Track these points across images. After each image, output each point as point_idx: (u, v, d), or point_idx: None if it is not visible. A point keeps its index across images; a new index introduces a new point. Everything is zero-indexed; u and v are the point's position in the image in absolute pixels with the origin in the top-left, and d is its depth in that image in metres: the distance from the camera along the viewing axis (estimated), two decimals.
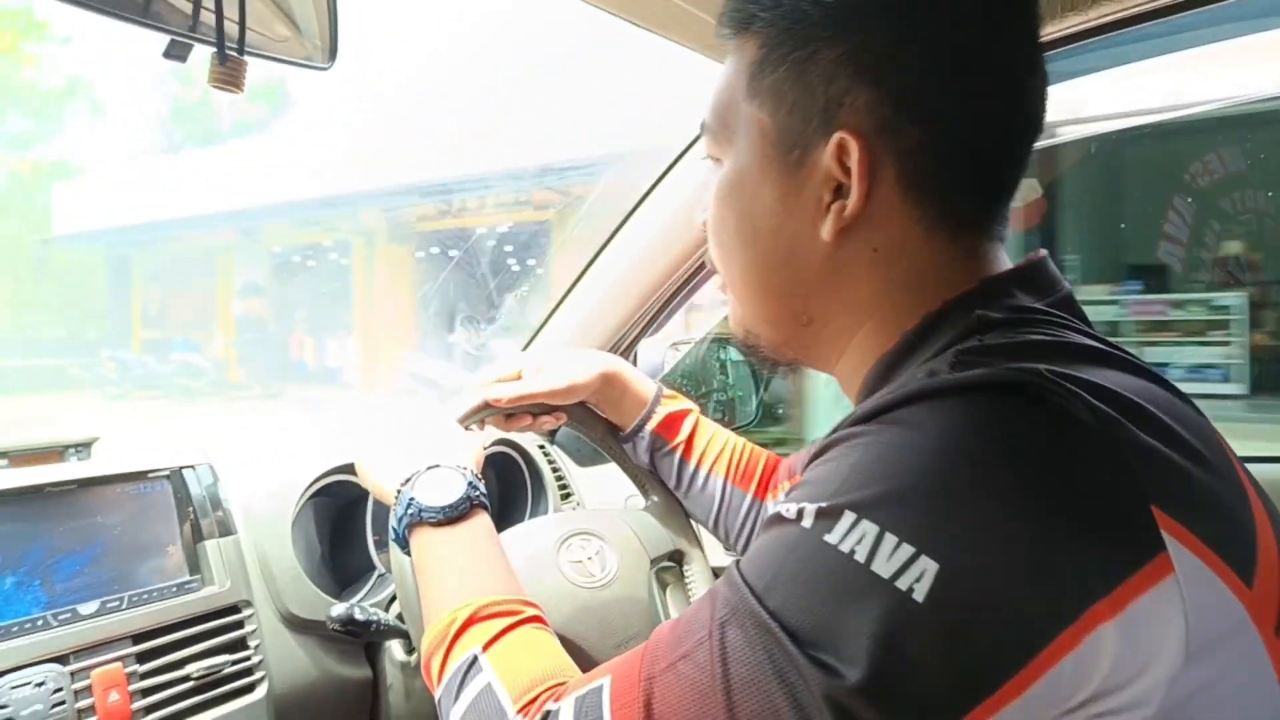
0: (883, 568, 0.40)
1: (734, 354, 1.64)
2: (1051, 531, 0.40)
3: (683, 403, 1.00)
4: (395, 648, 1.04)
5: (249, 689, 0.90)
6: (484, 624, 0.62)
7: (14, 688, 0.71)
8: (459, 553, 0.70)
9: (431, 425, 0.83)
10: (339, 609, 0.94)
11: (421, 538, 0.71)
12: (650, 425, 0.97)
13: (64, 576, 0.80)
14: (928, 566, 0.39)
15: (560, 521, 1.02)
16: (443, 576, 0.68)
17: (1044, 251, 0.57)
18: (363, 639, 1.01)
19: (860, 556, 0.41)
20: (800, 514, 0.44)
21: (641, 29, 1.01)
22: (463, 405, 0.90)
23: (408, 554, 0.73)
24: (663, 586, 1.23)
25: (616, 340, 1.39)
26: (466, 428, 0.90)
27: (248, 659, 0.90)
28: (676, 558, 1.09)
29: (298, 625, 0.97)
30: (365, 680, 1.03)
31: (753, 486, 0.96)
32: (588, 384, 0.95)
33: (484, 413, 0.92)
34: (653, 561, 1.04)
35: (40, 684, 0.72)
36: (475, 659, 0.59)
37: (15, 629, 0.75)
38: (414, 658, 1.04)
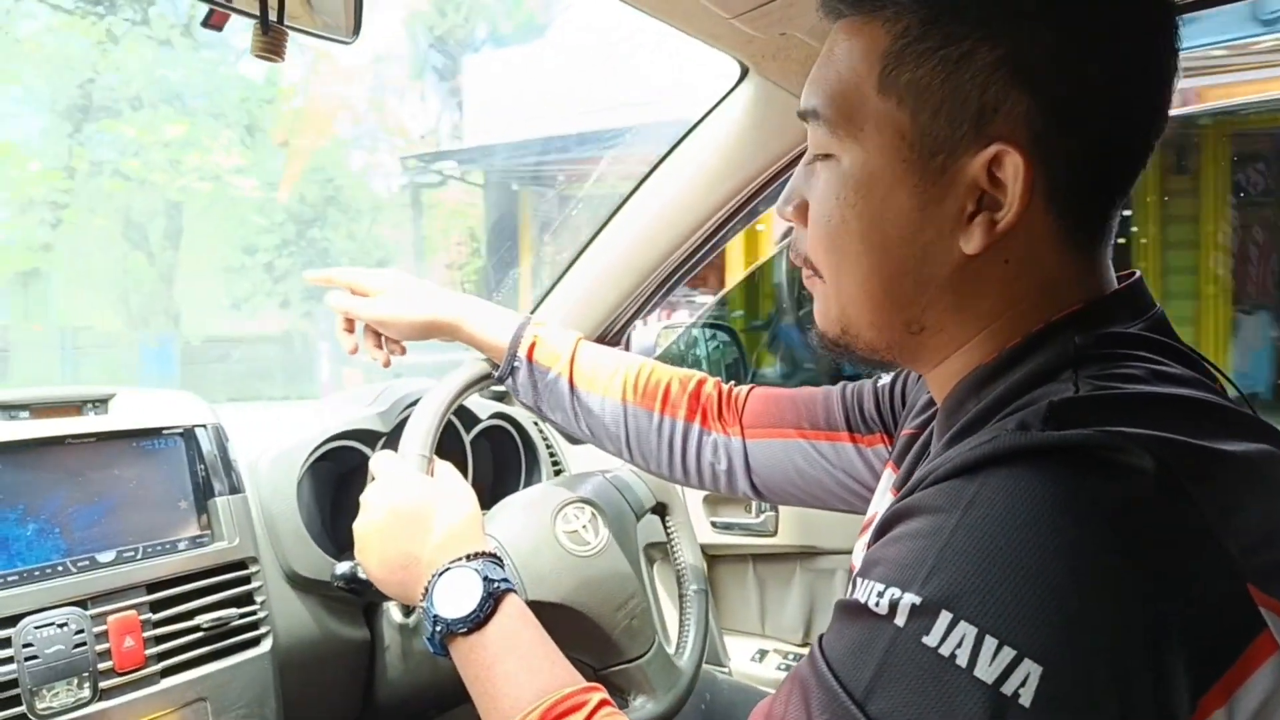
0: (986, 672, 0.39)
1: (722, 338, 1.69)
2: (1156, 623, 0.39)
3: (555, 329, 0.98)
4: (393, 609, 1.07)
5: (255, 642, 0.93)
6: None
7: (37, 628, 0.73)
8: (501, 656, 0.68)
9: (413, 503, 0.78)
10: (343, 567, 0.97)
11: (459, 649, 0.70)
12: (521, 352, 0.95)
13: (82, 525, 0.83)
14: (1031, 670, 0.38)
15: (552, 491, 1.05)
16: (494, 684, 0.67)
17: (1139, 271, 0.57)
18: (364, 598, 1.04)
19: (962, 661, 0.39)
20: (893, 610, 0.42)
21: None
22: (416, 439, 0.88)
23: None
24: (650, 562, 1.27)
25: (611, 322, 1.43)
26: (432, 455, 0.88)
27: (254, 613, 0.93)
28: (659, 510, 1.14)
29: (301, 584, 1.00)
30: (364, 641, 1.06)
31: (657, 405, 0.94)
32: (403, 325, 0.96)
33: (435, 431, 0.90)
34: (638, 516, 1.09)
35: (63, 625, 0.74)
36: None
37: (37, 573, 0.78)
38: (411, 619, 1.07)
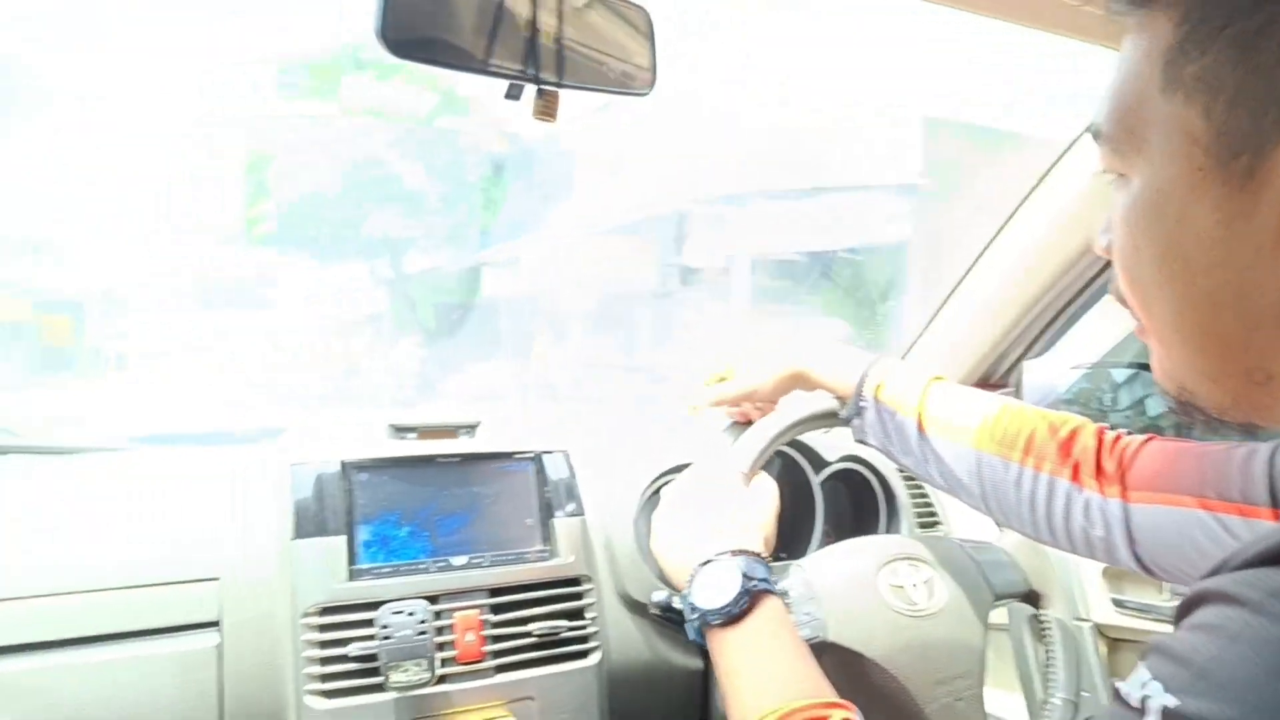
0: None
1: (1142, 387, 1.37)
2: None
3: (906, 368, 0.90)
4: None
5: (583, 654, 1.00)
6: None
7: (394, 613, 0.89)
8: (751, 655, 0.70)
9: (710, 495, 0.83)
10: (660, 595, 1.01)
11: (712, 641, 0.72)
12: (868, 392, 0.89)
13: (445, 532, 0.98)
14: None
15: (888, 543, 0.97)
16: (740, 680, 0.69)
17: None
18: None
19: None
20: (1143, 707, 0.37)
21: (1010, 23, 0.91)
22: (745, 452, 0.90)
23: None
24: (1036, 636, 1.09)
25: (992, 361, 1.26)
26: (754, 471, 0.90)
27: (584, 627, 1.01)
28: (1030, 600, 0.97)
29: (635, 606, 1.06)
30: (697, 670, 1.08)
31: (1016, 453, 0.81)
32: (767, 390, 0.96)
33: (764, 451, 0.92)
34: (997, 598, 0.94)
35: (411, 614, 0.89)
36: None
37: (404, 568, 0.94)
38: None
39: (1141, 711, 0.37)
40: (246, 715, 0.87)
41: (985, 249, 1.22)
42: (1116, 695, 0.40)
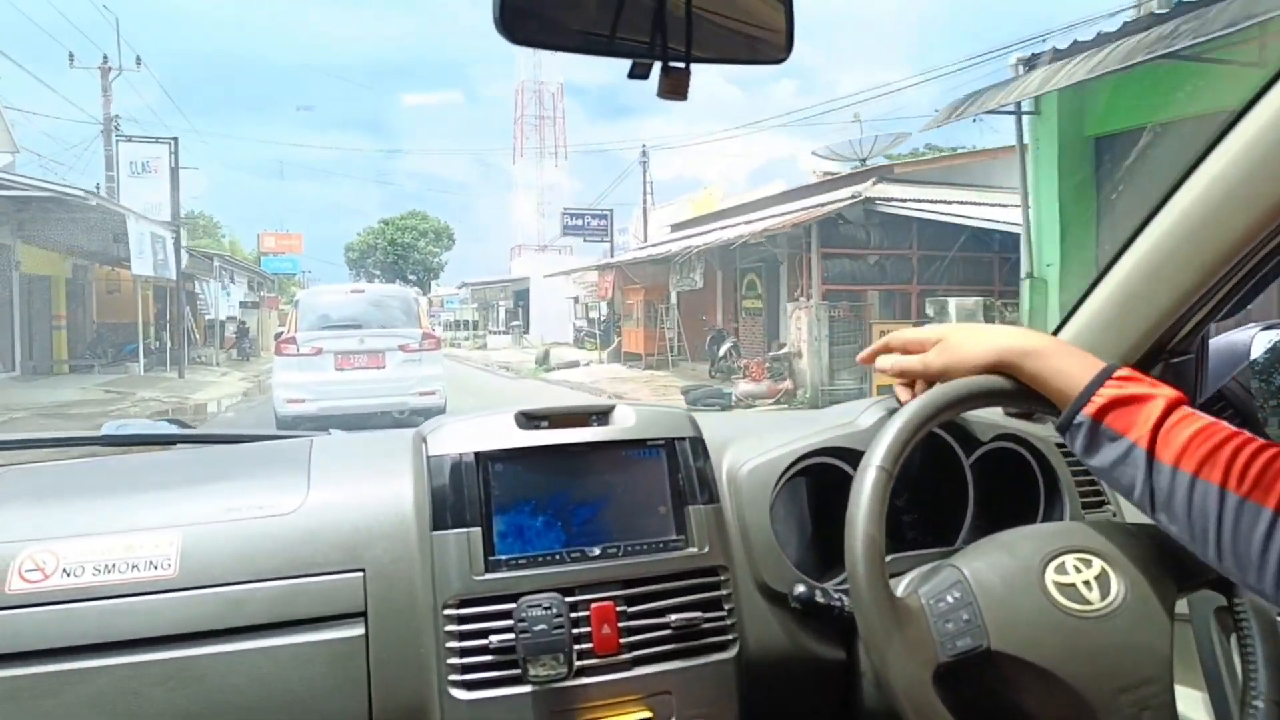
0: None
1: None
2: None
3: (1147, 386, 0.79)
4: None
5: (722, 646, 0.97)
6: None
7: (530, 607, 0.88)
8: None
9: None
10: (801, 588, 0.97)
11: None
12: (1089, 408, 0.79)
13: (579, 521, 0.97)
14: None
15: (1054, 532, 0.89)
16: None
17: None
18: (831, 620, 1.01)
19: None
20: None
21: None
22: (883, 448, 0.85)
23: None
24: (1225, 632, 0.98)
25: (1169, 325, 1.12)
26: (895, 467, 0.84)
27: (722, 619, 0.98)
28: (1222, 586, 0.85)
29: (772, 596, 1.02)
30: (840, 662, 1.03)
31: (1273, 499, 0.68)
32: (965, 369, 0.89)
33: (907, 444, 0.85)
34: (1181, 589, 0.84)
35: (548, 608, 0.88)
36: None
37: (540, 559, 0.94)
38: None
39: None
40: (394, 703, 0.89)
41: (1167, 196, 1.08)
42: None
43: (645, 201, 30.47)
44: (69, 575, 0.86)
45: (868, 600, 0.80)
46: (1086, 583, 0.82)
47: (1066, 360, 0.86)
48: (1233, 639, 0.87)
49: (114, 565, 0.87)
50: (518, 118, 62.98)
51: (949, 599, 0.82)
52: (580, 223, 31.78)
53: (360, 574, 0.91)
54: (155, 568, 0.88)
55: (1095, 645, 0.79)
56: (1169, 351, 1.16)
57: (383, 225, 48.43)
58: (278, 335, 10.74)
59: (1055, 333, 1.30)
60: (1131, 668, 0.79)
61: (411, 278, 45.57)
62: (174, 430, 1.42)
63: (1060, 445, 1.17)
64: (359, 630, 0.89)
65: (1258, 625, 0.84)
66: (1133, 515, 1.12)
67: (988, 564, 0.85)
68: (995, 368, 0.89)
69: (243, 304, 29.98)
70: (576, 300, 31.60)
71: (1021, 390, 0.88)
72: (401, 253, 46.53)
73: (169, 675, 0.84)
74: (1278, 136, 0.95)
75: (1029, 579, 0.82)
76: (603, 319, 27.46)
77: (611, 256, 28.17)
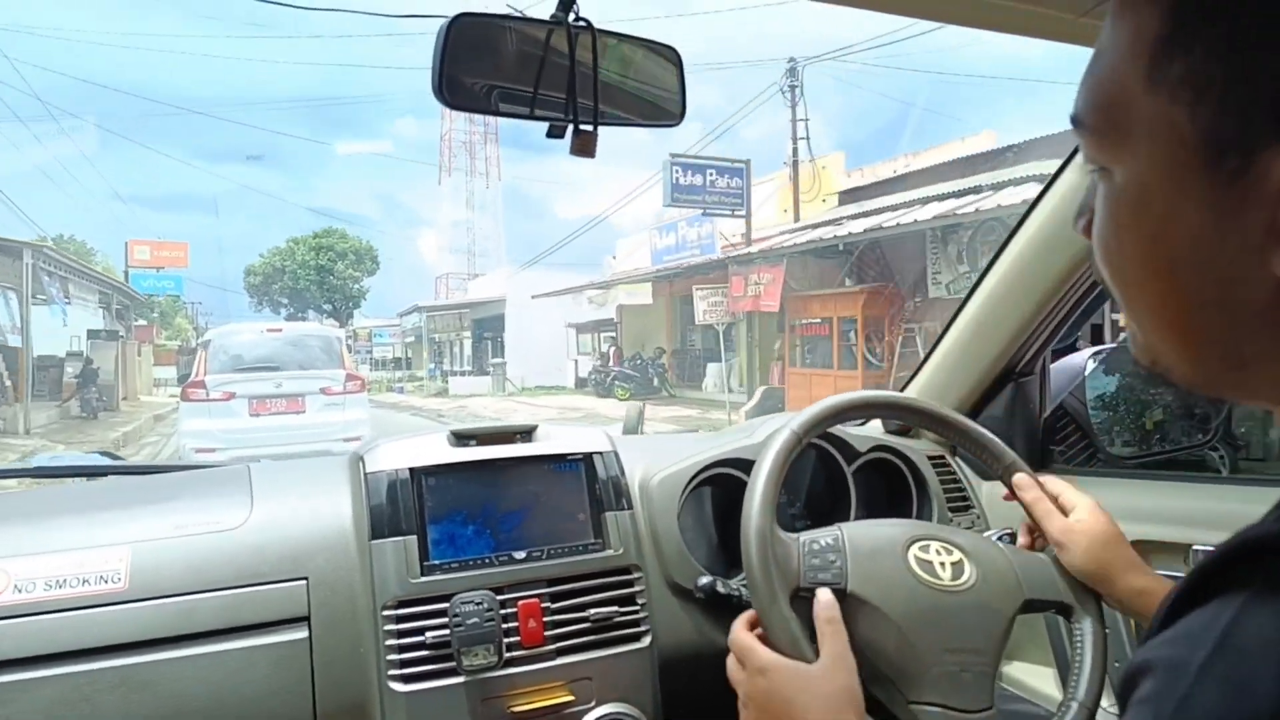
0: None
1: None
2: None
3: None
4: None
5: (636, 638, 1.09)
6: None
7: (463, 604, 0.98)
8: None
9: (796, 700, 0.82)
10: (704, 580, 1.09)
11: None
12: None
13: (507, 528, 1.08)
14: None
15: (926, 525, 1.01)
16: None
17: None
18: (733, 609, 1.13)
19: None
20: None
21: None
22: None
23: None
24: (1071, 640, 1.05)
25: (1014, 353, 1.32)
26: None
27: (635, 613, 1.10)
28: (1063, 611, 0.96)
29: (681, 592, 1.14)
30: None
31: None
32: (1077, 555, 0.93)
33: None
34: (1027, 602, 0.94)
35: (479, 604, 0.98)
36: None
37: (471, 563, 1.04)
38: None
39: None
40: (337, 700, 0.97)
41: (1002, 247, 1.28)
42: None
43: (794, 152, 17.97)
44: (20, 591, 0.91)
45: (755, 530, 0.88)
46: (943, 565, 0.92)
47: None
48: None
49: (65, 580, 0.93)
50: (445, 133, 54.77)
51: (822, 543, 0.91)
52: (700, 180, 16.31)
53: (304, 582, 0.99)
54: (105, 581, 0.93)
55: (937, 609, 0.89)
56: (1016, 373, 1.36)
57: (292, 245, 39.40)
58: (164, 381, 9.81)
59: (920, 367, 1.47)
60: (962, 636, 0.88)
61: (327, 307, 38.73)
62: (105, 462, 1.46)
63: (931, 457, 1.34)
64: (303, 634, 0.97)
65: (1090, 643, 0.94)
66: (994, 525, 1.28)
67: (863, 531, 0.95)
68: (1091, 574, 0.93)
69: (92, 334, 20.74)
70: (590, 330, 24.22)
71: None
72: (316, 276, 38.04)
73: (121, 682, 0.90)
74: (1067, 215, 1.15)
75: (894, 548, 0.92)
76: (652, 358, 19.58)
77: (748, 237, 16.63)
